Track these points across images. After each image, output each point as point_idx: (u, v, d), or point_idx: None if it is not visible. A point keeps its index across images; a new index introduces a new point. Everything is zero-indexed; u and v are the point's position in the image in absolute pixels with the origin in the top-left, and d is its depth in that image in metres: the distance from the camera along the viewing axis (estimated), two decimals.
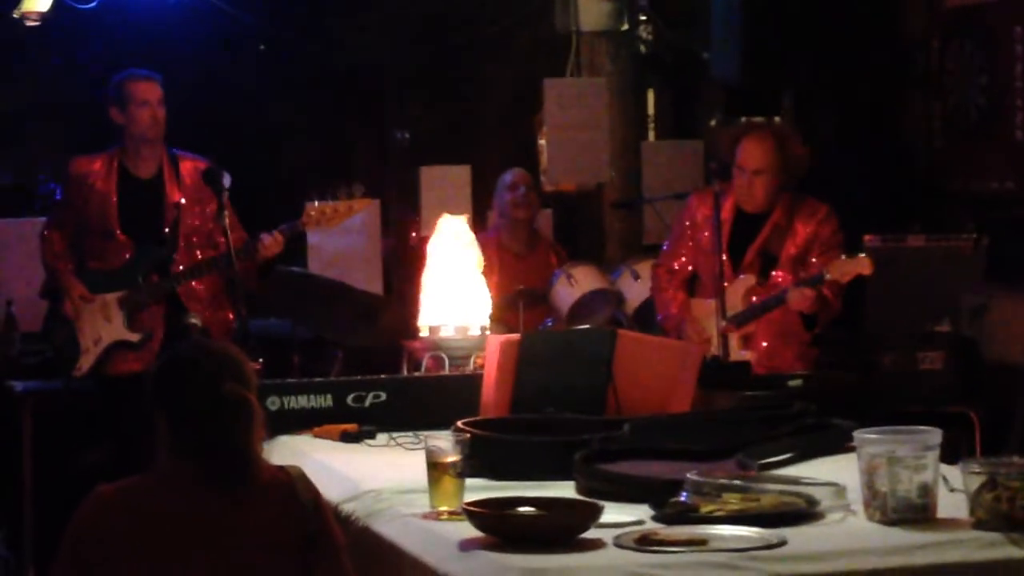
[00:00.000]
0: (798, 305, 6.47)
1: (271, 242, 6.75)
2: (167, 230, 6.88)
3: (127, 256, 6.88)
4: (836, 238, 6.67)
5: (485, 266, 5.90)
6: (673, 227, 7.15)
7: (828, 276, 6.37)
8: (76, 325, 6.82)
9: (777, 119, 7.86)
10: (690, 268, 6.93)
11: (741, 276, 6.69)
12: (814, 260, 6.60)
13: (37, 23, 8.40)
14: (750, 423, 4.71)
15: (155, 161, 6.98)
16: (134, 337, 6.79)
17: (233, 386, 3.53)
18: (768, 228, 6.71)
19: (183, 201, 6.89)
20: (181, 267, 6.85)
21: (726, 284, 6.57)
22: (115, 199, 6.90)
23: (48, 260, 6.97)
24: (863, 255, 6.33)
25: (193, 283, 6.84)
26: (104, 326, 6.81)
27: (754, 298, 6.64)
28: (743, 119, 7.57)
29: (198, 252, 6.86)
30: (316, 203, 6.74)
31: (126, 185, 6.94)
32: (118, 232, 6.87)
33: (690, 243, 6.89)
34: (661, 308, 6.98)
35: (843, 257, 6.39)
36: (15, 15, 8.36)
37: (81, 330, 6.82)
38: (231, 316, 6.87)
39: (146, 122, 6.89)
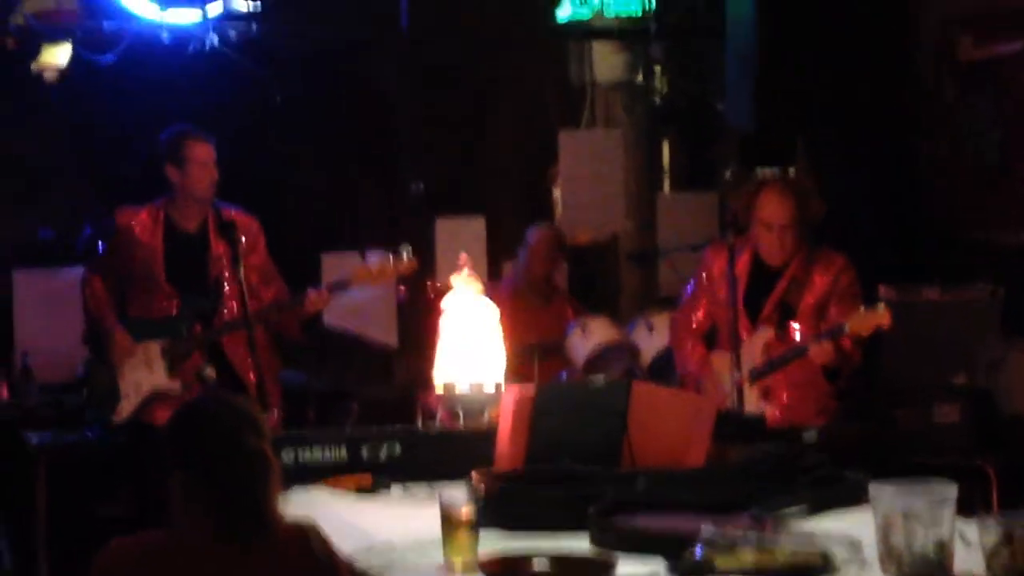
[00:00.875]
0: (819, 358, 6.46)
1: (316, 298, 6.89)
2: (211, 282, 6.96)
3: (171, 306, 6.98)
4: (854, 288, 6.66)
5: (503, 317, 5.89)
6: (690, 280, 7.15)
7: (848, 329, 6.36)
8: (118, 371, 6.89)
9: (792, 170, 7.85)
10: (708, 322, 6.92)
11: (759, 330, 6.68)
12: (833, 311, 6.59)
13: (55, 77, 8.44)
14: (765, 476, 4.69)
15: (201, 214, 7.07)
16: (175, 386, 6.86)
17: (251, 439, 3.53)
18: (785, 281, 6.70)
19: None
20: (225, 318, 6.94)
21: (743, 338, 6.57)
22: (161, 251, 7.00)
23: (91, 307, 7.06)
24: (882, 307, 6.31)
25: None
26: (146, 374, 6.91)
27: (772, 352, 6.64)
28: (759, 173, 7.57)
29: (242, 304, 6.91)
30: (364, 261, 6.83)
31: (172, 237, 7.06)
32: (164, 283, 6.98)
33: (707, 296, 6.88)
34: (680, 364, 6.97)
35: (862, 309, 6.38)
36: (32, 69, 8.41)
37: (123, 376, 6.92)
38: (278, 363, 6.98)
39: (205, 183, 7.02)
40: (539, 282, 8.38)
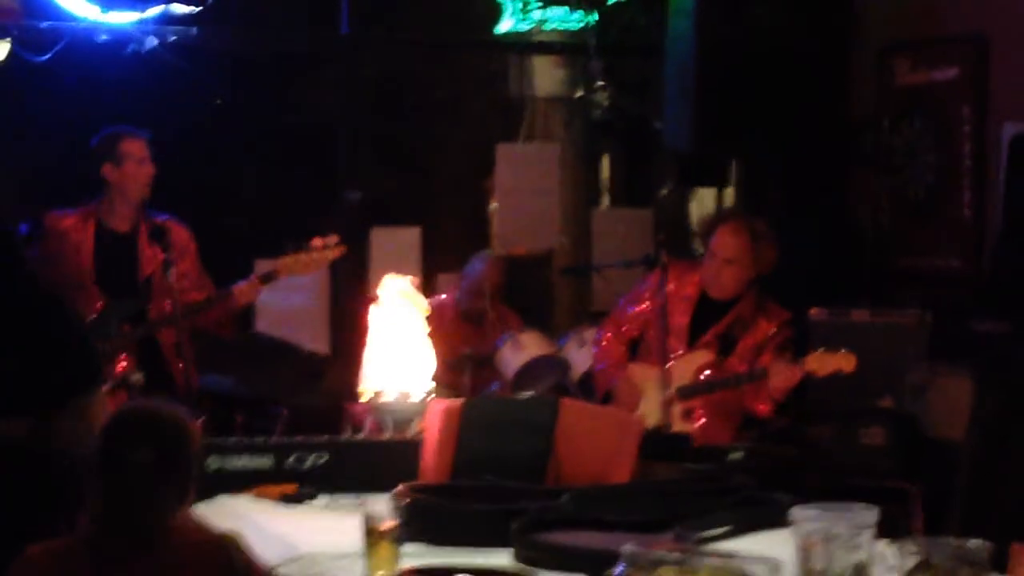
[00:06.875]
0: (786, 381, 6.42)
1: (247, 289, 6.96)
2: (141, 284, 6.99)
3: (99, 308, 6.96)
4: (788, 345, 6.68)
5: (439, 329, 5.88)
6: (636, 286, 7.11)
7: (805, 367, 6.34)
8: None
9: (728, 191, 7.88)
10: (638, 331, 6.93)
11: (697, 351, 6.68)
12: (764, 359, 6.60)
13: None
14: (689, 495, 4.71)
15: (133, 217, 7.09)
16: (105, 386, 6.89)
17: (145, 453, 3.51)
18: (732, 316, 6.72)
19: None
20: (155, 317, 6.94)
21: (682, 354, 6.59)
22: (91, 252, 7.04)
23: None
24: (845, 351, 6.29)
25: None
26: None
27: (705, 374, 6.64)
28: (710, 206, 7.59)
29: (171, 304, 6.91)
30: (290, 252, 6.84)
31: (102, 239, 7.09)
32: (92, 285, 6.99)
33: (648, 307, 6.85)
34: (598, 358, 7.01)
35: (822, 350, 6.35)
36: None
37: None
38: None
39: (142, 179, 7.07)
40: (481, 310, 8.36)
